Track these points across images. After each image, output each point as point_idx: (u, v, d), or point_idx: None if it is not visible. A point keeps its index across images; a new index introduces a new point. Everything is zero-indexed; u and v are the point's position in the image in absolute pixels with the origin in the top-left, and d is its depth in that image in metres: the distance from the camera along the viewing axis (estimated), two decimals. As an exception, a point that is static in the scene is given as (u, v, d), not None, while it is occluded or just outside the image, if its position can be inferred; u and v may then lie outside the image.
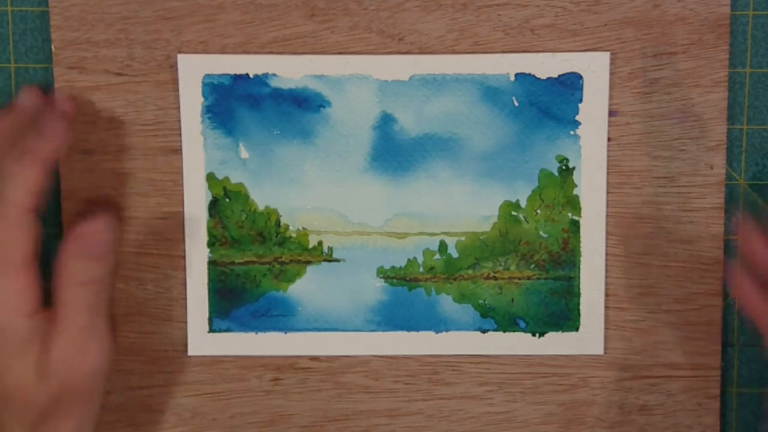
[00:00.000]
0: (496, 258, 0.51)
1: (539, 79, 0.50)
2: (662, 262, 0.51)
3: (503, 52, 0.50)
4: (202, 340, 0.51)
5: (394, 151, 0.50)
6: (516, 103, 0.50)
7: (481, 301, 0.51)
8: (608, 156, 0.50)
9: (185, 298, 0.51)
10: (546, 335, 0.51)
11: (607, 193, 0.50)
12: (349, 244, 0.51)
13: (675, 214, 0.51)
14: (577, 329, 0.51)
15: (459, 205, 0.51)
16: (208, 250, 0.51)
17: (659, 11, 0.49)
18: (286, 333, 0.51)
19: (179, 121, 0.50)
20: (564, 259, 0.51)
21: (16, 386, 0.45)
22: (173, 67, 0.50)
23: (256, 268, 0.51)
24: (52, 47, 0.49)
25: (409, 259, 0.51)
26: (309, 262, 0.51)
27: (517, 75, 0.50)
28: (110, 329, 0.47)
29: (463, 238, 0.51)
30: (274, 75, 0.50)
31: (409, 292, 0.51)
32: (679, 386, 0.52)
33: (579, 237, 0.51)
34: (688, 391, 0.52)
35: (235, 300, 0.51)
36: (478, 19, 0.49)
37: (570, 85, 0.50)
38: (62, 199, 0.50)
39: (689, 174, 0.50)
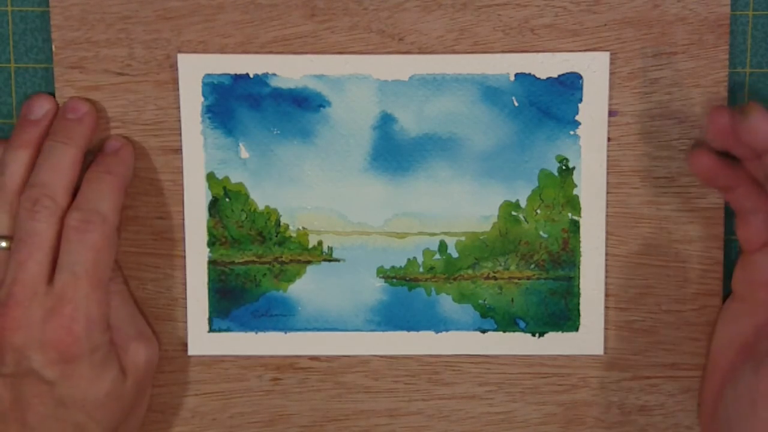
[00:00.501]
0: (496, 258, 0.51)
1: (539, 79, 0.50)
2: (662, 262, 0.51)
3: (503, 52, 0.49)
4: (202, 340, 0.51)
5: (394, 151, 0.50)
6: (516, 103, 0.50)
7: (481, 301, 0.51)
8: (608, 156, 0.50)
9: (185, 298, 0.51)
10: (546, 335, 0.51)
11: (607, 193, 0.50)
12: (349, 243, 0.51)
13: (675, 214, 0.51)
14: (576, 329, 0.51)
15: (459, 205, 0.51)
16: (208, 249, 0.51)
17: (659, 11, 0.49)
18: (286, 333, 0.51)
19: (179, 120, 0.50)
20: (564, 259, 0.51)
21: (107, 392, 0.47)
22: (173, 67, 0.50)
23: (256, 267, 0.51)
24: (53, 47, 0.49)
25: (409, 259, 0.51)
26: (309, 262, 0.51)
27: (517, 75, 0.50)
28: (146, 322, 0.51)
29: (463, 238, 0.51)
30: (274, 75, 0.50)
31: (409, 292, 0.51)
32: (679, 386, 0.52)
33: (579, 237, 0.51)
34: (688, 391, 0.52)
35: (235, 300, 0.51)
36: (478, 19, 0.49)
37: (570, 85, 0.50)
38: (62, 198, 0.51)
39: (689, 174, 0.50)
